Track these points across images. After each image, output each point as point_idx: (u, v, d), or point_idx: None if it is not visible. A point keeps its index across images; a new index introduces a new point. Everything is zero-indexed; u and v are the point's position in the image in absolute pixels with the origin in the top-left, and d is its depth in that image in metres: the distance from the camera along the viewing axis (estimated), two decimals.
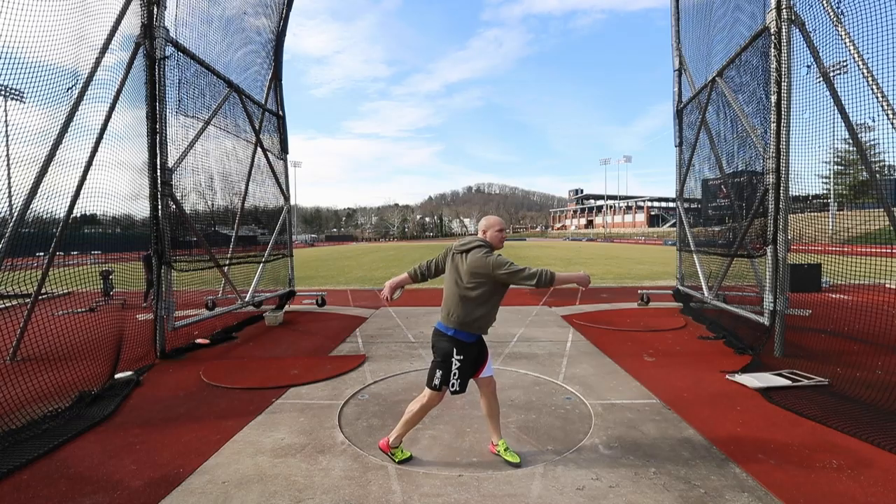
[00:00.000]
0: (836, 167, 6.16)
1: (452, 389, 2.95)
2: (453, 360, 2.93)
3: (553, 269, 2.81)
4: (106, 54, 4.90)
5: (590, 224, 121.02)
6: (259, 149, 8.70)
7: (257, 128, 8.52)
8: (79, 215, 4.96)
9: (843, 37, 4.47)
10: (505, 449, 3.13)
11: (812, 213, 6.17)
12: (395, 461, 3.09)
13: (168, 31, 5.78)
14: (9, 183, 4.16)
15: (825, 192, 7.15)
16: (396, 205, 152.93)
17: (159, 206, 5.76)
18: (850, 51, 4.41)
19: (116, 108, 5.12)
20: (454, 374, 2.93)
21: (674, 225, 43.94)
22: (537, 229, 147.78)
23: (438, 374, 2.96)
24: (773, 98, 5.22)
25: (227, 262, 7.86)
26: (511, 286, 2.97)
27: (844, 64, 4.58)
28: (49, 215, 4.68)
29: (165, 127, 5.76)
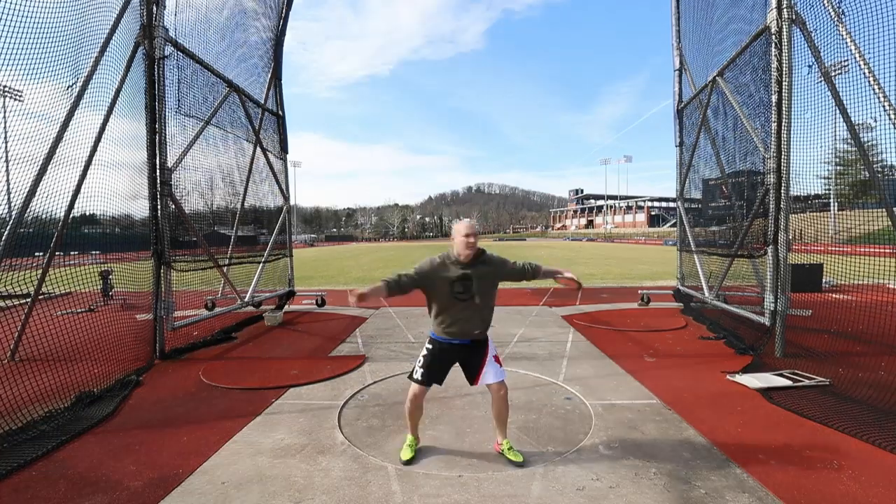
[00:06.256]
0: (836, 167, 6.14)
1: (415, 377, 3.14)
2: (424, 348, 3.21)
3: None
4: (105, 54, 4.89)
5: (590, 224, 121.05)
6: (259, 148, 8.69)
7: (257, 127, 8.51)
8: (78, 215, 4.95)
9: (845, 36, 4.46)
10: (509, 448, 3.15)
11: (813, 213, 6.16)
12: (403, 448, 3.23)
13: (167, 30, 5.77)
14: (7, 183, 4.15)
15: (826, 191, 7.13)
16: (396, 205, 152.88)
17: (158, 206, 5.75)
18: (851, 50, 4.40)
19: (115, 108, 5.11)
20: (419, 362, 3.18)
21: (674, 225, 43.98)
22: (537, 229, 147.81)
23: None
24: (774, 98, 5.21)
25: (227, 262, 7.85)
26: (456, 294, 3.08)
27: (845, 63, 4.57)
28: (48, 215, 4.67)
29: (165, 126, 5.75)
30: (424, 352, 3.18)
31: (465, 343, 3.10)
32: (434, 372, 3.13)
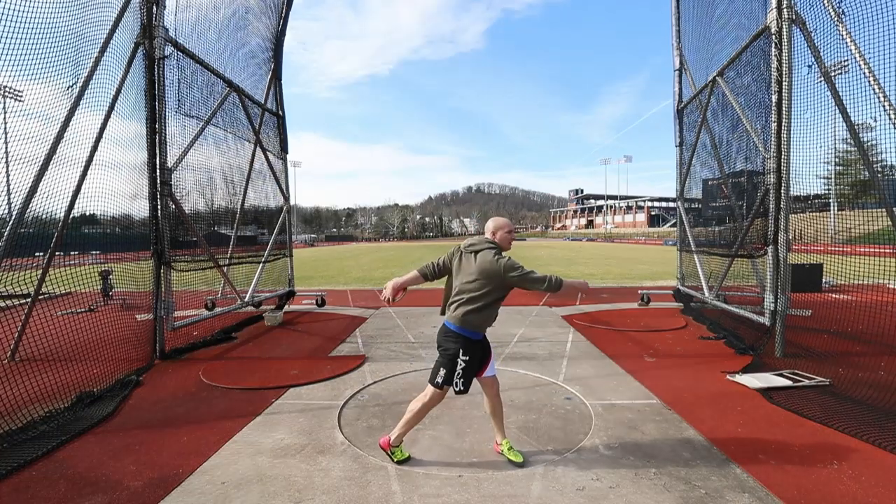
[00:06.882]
0: (836, 167, 6.15)
1: (456, 389, 2.94)
2: (459, 359, 2.92)
3: (559, 276, 2.85)
4: (105, 54, 4.89)
5: (590, 224, 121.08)
6: (259, 148, 8.69)
7: (257, 127, 8.51)
8: (78, 215, 4.95)
9: (845, 36, 4.46)
10: (509, 448, 3.15)
11: (813, 213, 6.16)
12: (393, 460, 3.10)
13: (167, 30, 5.77)
14: (7, 183, 4.15)
15: (826, 191, 7.14)
16: (396, 205, 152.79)
17: (158, 206, 5.75)
18: (851, 50, 4.40)
19: (116, 108, 5.11)
20: (458, 374, 2.93)
21: (674, 225, 44.02)
22: (537, 229, 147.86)
23: (442, 372, 2.96)
24: (774, 98, 5.21)
25: (227, 262, 7.85)
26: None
27: (845, 63, 4.57)
28: (48, 215, 4.67)
29: (165, 126, 5.75)
30: (462, 364, 2.91)
31: (484, 336, 3.09)
32: (471, 381, 3.01)
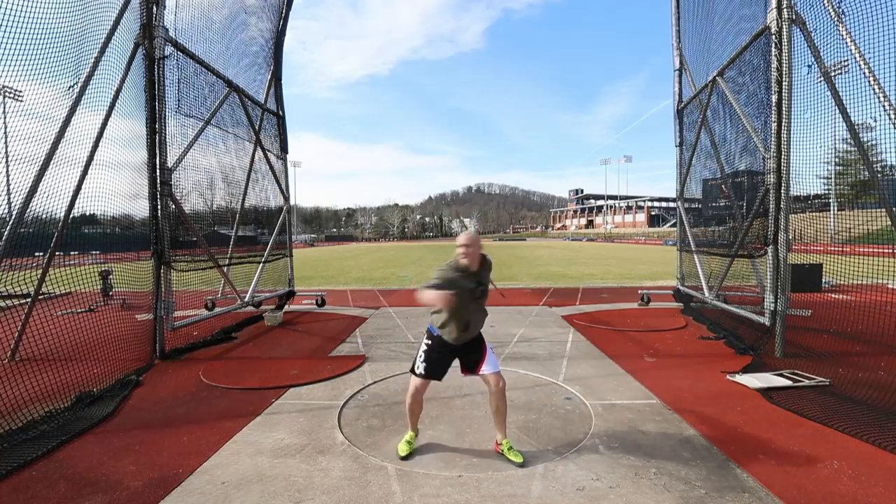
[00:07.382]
0: (836, 167, 6.15)
1: (417, 371, 3.20)
2: (422, 342, 3.25)
3: (429, 290, 2.89)
4: (105, 54, 4.89)
5: (590, 224, 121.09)
6: (259, 148, 8.69)
7: (257, 127, 8.52)
8: (78, 215, 4.95)
9: (845, 36, 4.46)
10: (509, 448, 3.16)
11: (813, 213, 6.17)
12: (401, 444, 3.25)
13: (167, 30, 5.77)
14: (7, 182, 4.15)
15: (826, 191, 7.14)
16: (396, 205, 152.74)
17: (158, 206, 5.75)
18: (851, 50, 4.40)
19: (116, 108, 5.11)
20: (420, 357, 3.23)
21: (674, 225, 43.99)
22: (537, 229, 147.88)
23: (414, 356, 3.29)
24: (774, 98, 5.21)
25: (227, 262, 7.85)
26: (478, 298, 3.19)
27: (845, 63, 4.57)
28: (48, 215, 4.67)
29: (165, 126, 5.75)
30: (424, 347, 3.22)
31: (467, 340, 3.21)
32: (435, 366, 3.21)
